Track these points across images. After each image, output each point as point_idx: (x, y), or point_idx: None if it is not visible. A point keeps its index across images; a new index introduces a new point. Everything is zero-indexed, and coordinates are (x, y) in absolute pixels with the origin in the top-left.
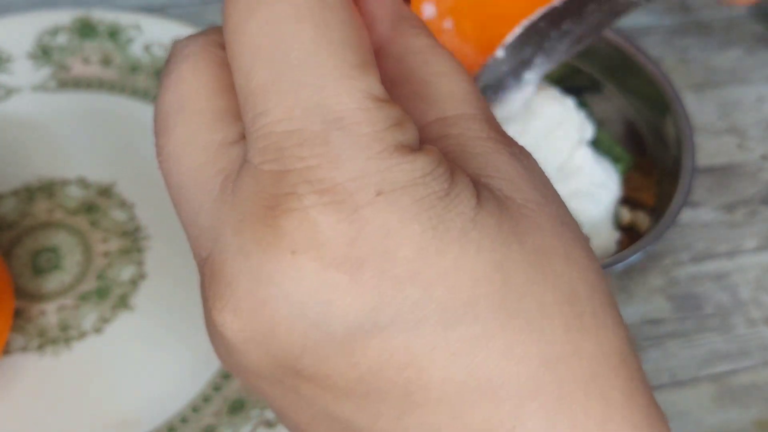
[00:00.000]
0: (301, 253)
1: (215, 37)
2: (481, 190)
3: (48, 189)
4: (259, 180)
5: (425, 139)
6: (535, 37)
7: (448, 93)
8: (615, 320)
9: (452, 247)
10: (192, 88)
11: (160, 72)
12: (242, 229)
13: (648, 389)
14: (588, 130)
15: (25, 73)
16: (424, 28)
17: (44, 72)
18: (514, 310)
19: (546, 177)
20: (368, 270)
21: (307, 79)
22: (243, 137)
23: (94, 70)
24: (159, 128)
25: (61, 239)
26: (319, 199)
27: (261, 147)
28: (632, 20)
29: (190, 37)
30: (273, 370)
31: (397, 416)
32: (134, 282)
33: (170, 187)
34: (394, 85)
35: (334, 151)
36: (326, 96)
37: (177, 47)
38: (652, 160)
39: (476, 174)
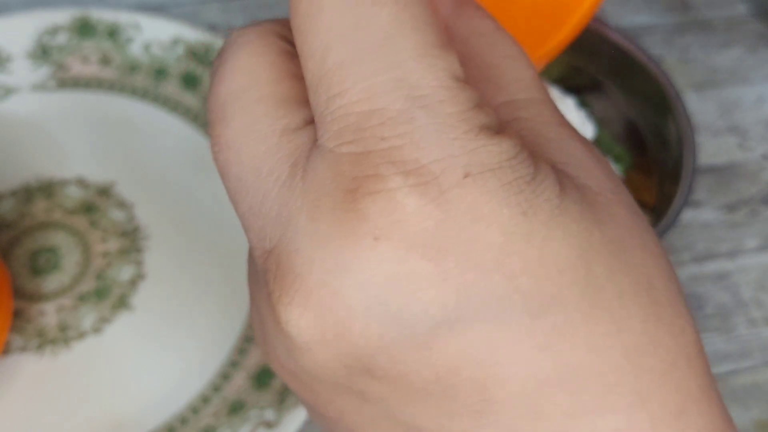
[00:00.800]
0: (384, 238)
1: (273, 27)
2: (561, 175)
3: (47, 189)
4: (336, 163)
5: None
6: None
7: (516, 77)
8: (686, 309)
9: (540, 233)
10: (251, 75)
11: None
12: (318, 214)
13: (715, 383)
14: (588, 130)
15: (24, 72)
16: (484, 10)
17: (43, 71)
18: (596, 300)
19: (611, 166)
20: (454, 258)
21: (388, 57)
22: (308, 123)
23: (93, 69)
24: (215, 118)
25: (60, 239)
26: (404, 181)
27: (337, 129)
28: (633, 19)
29: (245, 27)
30: (339, 370)
31: (472, 416)
32: (133, 282)
33: (228, 179)
34: (462, 66)
35: (418, 131)
36: (409, 74)
37: (232, 38)
38: (653, 159)
39: (552, 160)
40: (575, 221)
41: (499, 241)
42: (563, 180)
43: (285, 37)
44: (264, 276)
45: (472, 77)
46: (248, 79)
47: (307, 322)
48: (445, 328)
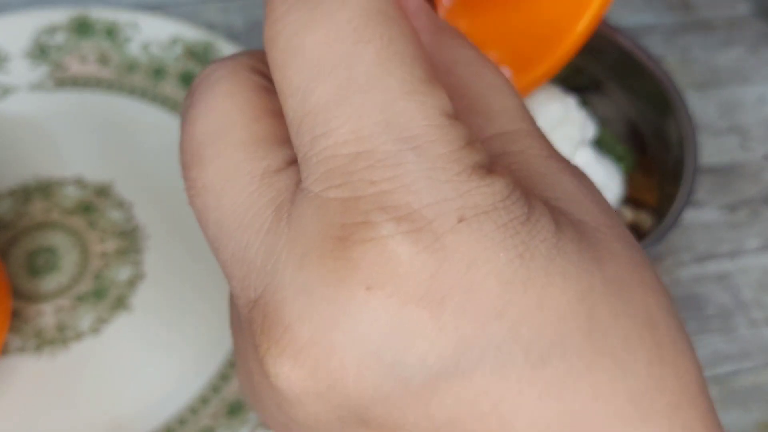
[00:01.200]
0: (377, 288)
1: (246, 60)
2: (554, 213)
3: (45, 189)
4: (323, 209)
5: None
6: None
7: (502, 107)
8: (688, 345)
9: (538, 278)
10: (227, 115)
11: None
12: (306, 264)
13: (718, 420)
14: (589, 130)
15: (22, 72)
16: (465, 38)
17: (41, 71)
18: (600, 346)
19: (602, 194)
20: (450, 307)
21: (375, 96)
22: (290, 163)
23: (91, 69)
24: (190, 161)
25: (59, 239)
26: (396, 228)
27: (323, 172)
28: (634, 19)
29: (217, 63)
30: (333, 422)
31: None
32: (132, 282)
33: (207, 225)
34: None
35: (409, 174)
36: (397, 113)
37: (203, 75)
38: (654, 159)
39: (544, 196)
40: (573, 263)
41: (497, 289)
42: (558, 217)
43: (259, 70)
44: (249, 326)
45: (459, 110)
46: (224, 121)
47: (297, 375)
48: (443, 379)
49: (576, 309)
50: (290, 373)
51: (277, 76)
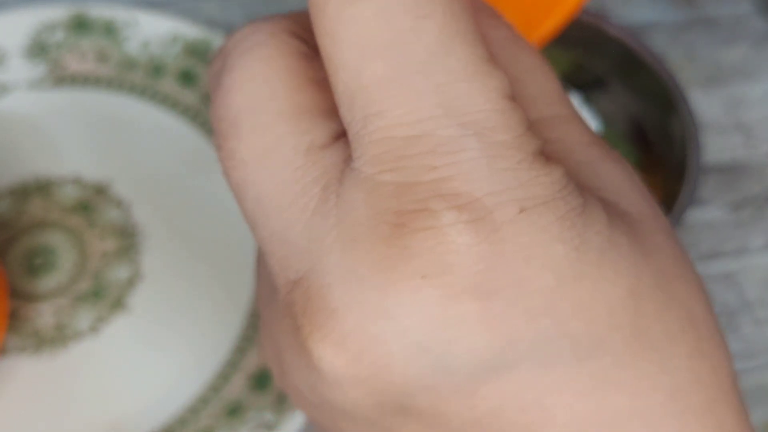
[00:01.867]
0: (432, 278)
1: (285, 24)
2: (604, 205)
3: (43, 188)
4: (377, 193)
5: None
6: None
7: (540, 91)
8: (723, 339)
9: (591, 271)
10: (267, 84)
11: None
12: (356, 249)
13: (745, 409)
14: (593, 127)
15: (20, 70)
16: (500, 17)
17: (40, 69)
18: (645, 339)
19: (646, 188)
20: (501, 300)
21: (436, 75)
22: (337, 138)
23: (90, 66)
24: (227, 132)
25: (57, 239)
26: (458, 217)
27: (377, 154)
28: (637, 16)
29: (251, 26)
30: (371, 408)
31: None
32: (131, 282)
33: (245, 200)
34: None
35: (470, 161)
36: (459, 95)
37: (237, 38)
38: (658, 157)
39: (589, 186)
40: (625, 257)
41: (551, 284)
42: (607, 208)
43: (300, 35)
44: (289, 308)
45: None
46: (264, 90)
47: (341, 361)
48: (490, 372)
49: (625, 303)
50: (334, 358)
51: (327, 47)
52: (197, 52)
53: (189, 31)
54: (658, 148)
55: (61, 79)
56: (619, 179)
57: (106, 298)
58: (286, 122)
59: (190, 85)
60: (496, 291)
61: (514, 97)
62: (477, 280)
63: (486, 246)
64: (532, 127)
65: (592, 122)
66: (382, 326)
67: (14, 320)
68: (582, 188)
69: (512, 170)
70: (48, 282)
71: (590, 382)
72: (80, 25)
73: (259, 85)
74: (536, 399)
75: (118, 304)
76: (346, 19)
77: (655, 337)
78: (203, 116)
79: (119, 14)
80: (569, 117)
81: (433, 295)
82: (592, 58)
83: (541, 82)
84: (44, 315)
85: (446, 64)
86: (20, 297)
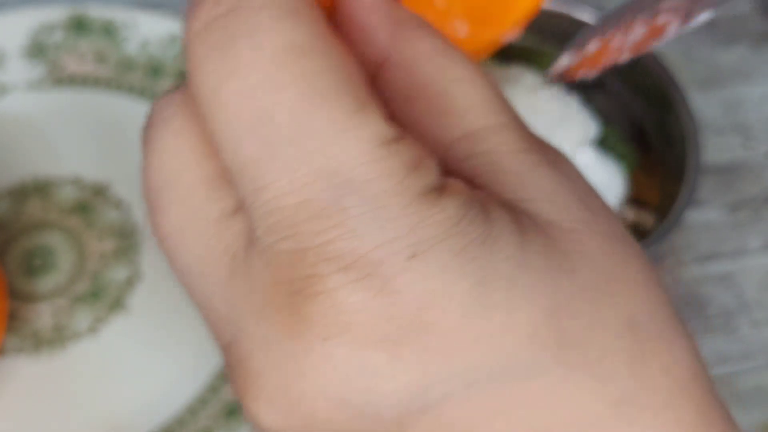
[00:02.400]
0: (333, 338)
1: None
2: (522, 219)
3: (42, 188)
4: (274, 263)
5: (451, 163)
6: None
7: (471, 102)
8: (679, 334)
9: (501, 302)
10: (178, 157)
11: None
12: (265, 318)
13: (719, 400)
14: (591, 129)
15: (19, 71)
16: (429, 27)
17: (39, 70)
18: (577, 354)
19: (587, 183)
20: (409, 345)
21: (305, 143)
22: (242, 204)
23: (89, 67)
24: (152, 206)
25: (56, 239)
26: (344, 278)
27: (270, 224)
28: None
29: (166, 97)
30: None
31: None
32: (130, 282)
33: (174, 270)
34: (409, 101)
35: (353, 218)
36: (329, 156)
37: (154, 110)
38: (657, 158)
39: (513, 198)
40: (540, 279)
41: (458, 324)
42: (525, 223)
43: None
44: (228, 368)
45: (422, 111)
46: (177, 162)
47: (274, 418)
48: (414, 412)
49: (547, 322)
50: (267, 415)
51: (208, 125)
52: None
53: None
54: (657, 148)
55: (60, 79)
56: (551, 186)
57: (105, 298)
58: (198, 192)
59: None
60: (401, 338)
61: (418, 119)
62: (380, 332)
63: (380, 299)
64: (457, 143)
65: (592, 122)
66: (303, 387)
67: (13, 321)
68: (498, 207)
69: (398, 218)
70: (47, 283)
71: (519, 409)
72: (79, 25)
73: (171, 157)
74: (470, 428)
75: (116, 305)
76: (213, 103)
77: (584, 353)
78: None
79: (118, 15)
80: (503, 125)
81: (340, 353)
82: None
83: (471, 92)
84: (43, 316)
85: (311, 130)
86: (19, 298)
